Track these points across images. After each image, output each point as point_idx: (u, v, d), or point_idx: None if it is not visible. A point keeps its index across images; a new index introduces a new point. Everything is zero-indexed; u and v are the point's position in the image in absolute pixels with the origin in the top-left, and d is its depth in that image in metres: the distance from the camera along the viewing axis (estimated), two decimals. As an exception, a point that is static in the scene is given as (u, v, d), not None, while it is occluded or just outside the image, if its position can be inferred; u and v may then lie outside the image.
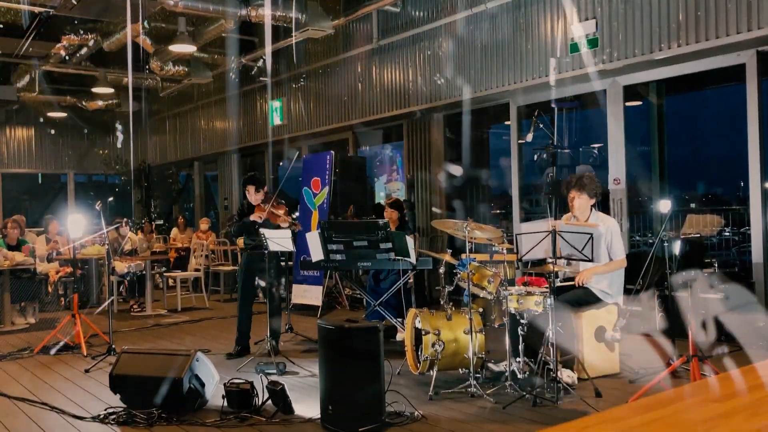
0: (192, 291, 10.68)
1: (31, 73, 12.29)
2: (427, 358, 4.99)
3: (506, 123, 8.95)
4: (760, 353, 5.52)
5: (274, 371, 5.47)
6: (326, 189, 9.12)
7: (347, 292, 9.48)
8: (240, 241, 8.24)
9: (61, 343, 6.76)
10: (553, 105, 7.58)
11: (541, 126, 6.05)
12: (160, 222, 14.23)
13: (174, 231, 13.24)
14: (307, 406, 4.54)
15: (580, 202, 5.27)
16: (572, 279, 5.25)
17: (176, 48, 10.14)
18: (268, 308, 6.20)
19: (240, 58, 11.37)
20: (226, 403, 4.53)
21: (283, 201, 6.53)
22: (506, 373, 4.85)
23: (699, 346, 4.70)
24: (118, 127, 15.77)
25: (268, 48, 10.12)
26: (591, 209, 5.34)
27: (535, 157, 8.50)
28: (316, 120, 11.09)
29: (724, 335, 5.80)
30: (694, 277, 5.47)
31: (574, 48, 7.25)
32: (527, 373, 4.97)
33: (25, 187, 17.25)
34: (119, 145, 16.47)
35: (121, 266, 9.64)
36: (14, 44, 11.01)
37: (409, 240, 6.24)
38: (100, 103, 13.93)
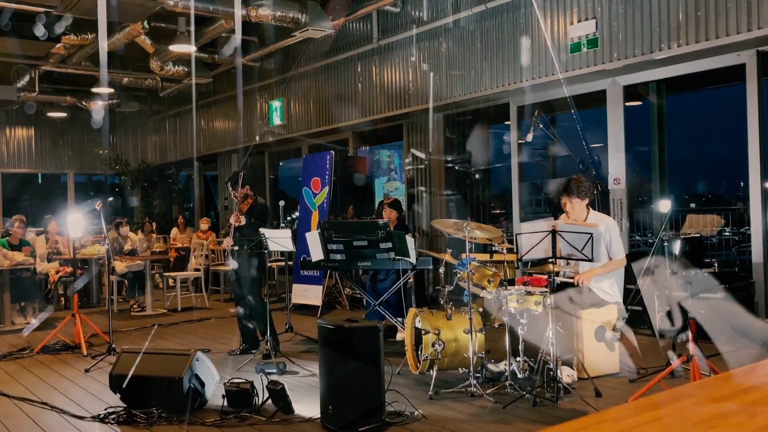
0: (192, 291, 10.68)
1: (31, 73, 12.28)
2: (427, 357, 4.99)
3: (506, 123, 8.95)
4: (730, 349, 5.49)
5: (274, 371, 5.47)
6: (326, 189, 9.12)
7: (347, 292, 9.48)
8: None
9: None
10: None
11: (541, 126, 6.04)
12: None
13: (174, 231, 13.23)
14: (307, 406, 4.55)
15: (573, 206, 5.27)
16: (571, 279, 5.24)
17: (176, 48, 10.13)
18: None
19: (240, 58, 11.36)
20: (226, 403, 4.53)
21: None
22: (506, 373, 4.85)
23: (663, 333, 4.65)
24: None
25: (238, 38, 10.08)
26: (587, 209, 5.33)
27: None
28: (316, 120, 11.10)
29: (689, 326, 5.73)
30: (657, 264, 5.39)
31: (574, 48, 7.25)
32: (527, 372, 4.97)
33: (25, 187, 17.24)
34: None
35: (121, 266, 9.64)
36: (14, 44, 11.00)
37: (410, 240, 6.24)
38: (100, 103, 13.92)
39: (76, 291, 7.38)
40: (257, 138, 12.40)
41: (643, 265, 5.39)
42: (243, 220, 6.27)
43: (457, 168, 9.69)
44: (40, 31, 9.68)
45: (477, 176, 9.91)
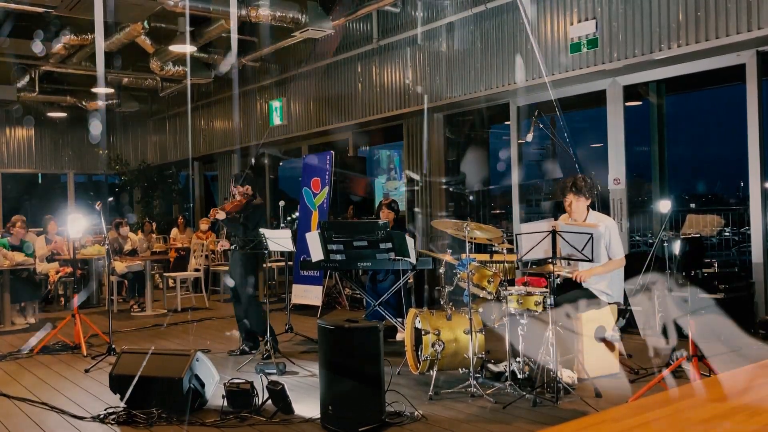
0: (192, 291, 10.68)
1: (31, 73, 12.28)
2: (427, 358, 4.99)
3: (506, 123, 8.95)
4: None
5: (274, 371, 5.48)
6: (326, 189, 9.11)
7: (347, 292, 9.48)
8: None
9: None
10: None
11: (541, 126, 6.04)
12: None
13: (174, 231, 13.23)
14: (307, 406, 4.55)
15: (578, 204, 5.27)
16: (570, 275, 5.24)
17: (176, 48, 10.13)
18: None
19: (240, 59, 11.36)
20: (226, 403, 4.53)
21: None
22: (506, 374, 4.85)
23: (658, 351, 4.64)
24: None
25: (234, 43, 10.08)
26: (588, 209, 5.33)
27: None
28: (316, 120, 11.10)
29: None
30: (654, 281, 5.40)
31: (574, 48, 7.25)
32: (527, 373, 4.96)
33: (25, 188, 17.24)
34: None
35: (121, 266, 9.64)
36: (14, 44, 11.00)
37: (409, 240, 6.24)
38: (100, 103, 13.91)
39: (79, 301, 7.37)
40: (260, 143, 12.40)
41: (637, 282, 5.39)
42: (220, 215, 6.22)
43: (451, 189, 9.70)
44: (38, 47, 9.73)
45: (471, 198, 9.95)
